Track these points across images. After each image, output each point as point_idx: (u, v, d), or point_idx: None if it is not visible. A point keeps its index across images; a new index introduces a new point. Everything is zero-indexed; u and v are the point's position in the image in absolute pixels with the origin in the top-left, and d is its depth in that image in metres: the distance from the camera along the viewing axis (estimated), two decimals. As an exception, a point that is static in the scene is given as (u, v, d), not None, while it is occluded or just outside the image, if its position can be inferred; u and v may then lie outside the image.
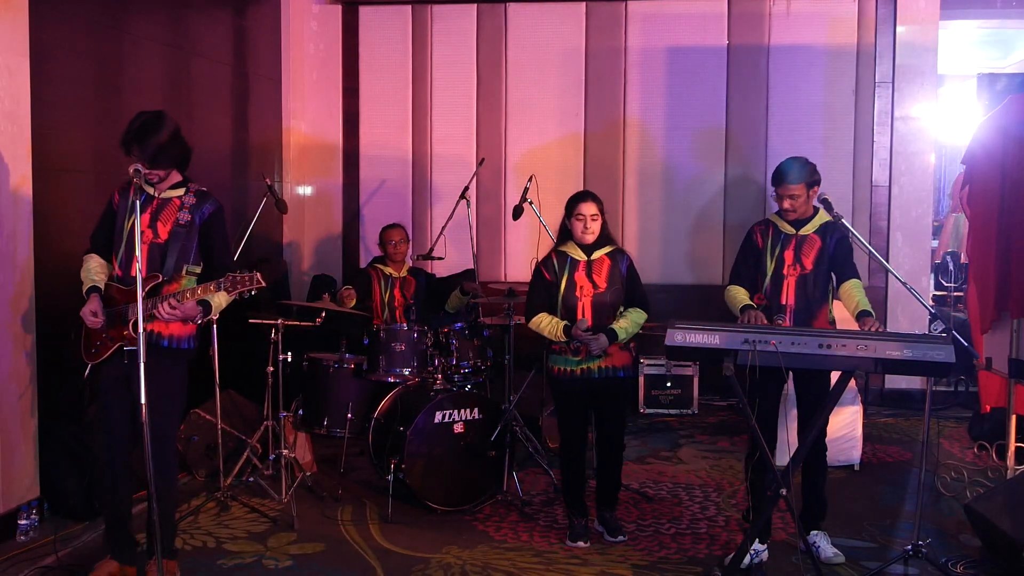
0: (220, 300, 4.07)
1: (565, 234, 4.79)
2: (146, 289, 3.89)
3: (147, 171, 3.96)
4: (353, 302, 6.04)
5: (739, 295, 4.54)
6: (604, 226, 4.75)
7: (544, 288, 4.75)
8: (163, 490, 3.93)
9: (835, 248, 4.49)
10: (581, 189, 7.79)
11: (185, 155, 4.11)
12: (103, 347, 4.06)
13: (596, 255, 4.73)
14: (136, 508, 4.97)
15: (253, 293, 3.96)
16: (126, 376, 4.01)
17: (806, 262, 4.47)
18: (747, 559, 4.26)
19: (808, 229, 4.52)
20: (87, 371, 4.13)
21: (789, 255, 4.48)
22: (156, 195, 4.08)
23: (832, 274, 4.54)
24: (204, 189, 4.19)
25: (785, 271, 4.48)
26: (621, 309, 4.73)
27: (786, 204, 4.46)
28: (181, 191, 4.12)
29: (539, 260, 4.87)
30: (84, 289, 4.11)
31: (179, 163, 4.10)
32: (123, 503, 4.22)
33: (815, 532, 4.54)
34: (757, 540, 4.38)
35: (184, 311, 3.97)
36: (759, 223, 4.67)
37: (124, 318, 4.00)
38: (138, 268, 3.71)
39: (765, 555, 4.44)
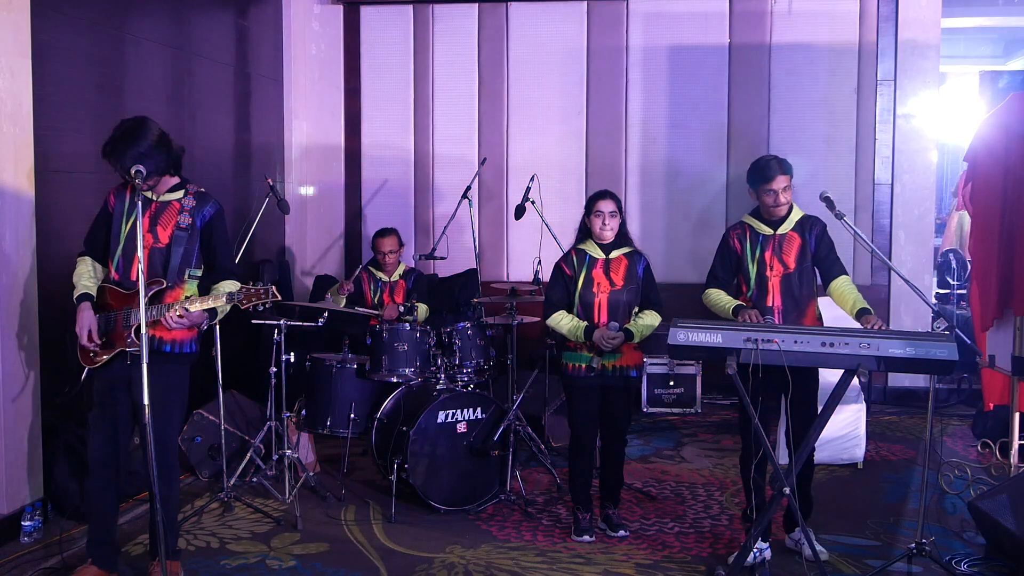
0: (225, 304, 4.05)
1: (584, 232, 4.81)
2: (148, 294, 3.87)
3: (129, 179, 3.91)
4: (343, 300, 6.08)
5: (723, 297, 4.52)
6: (623, 226, 4.79)
7: (563, 284, 4.78)
8: (165, 493, 3.91)
9: (816, 244, 4.46)
10: (583, 188, 7.91)
11: (174, 159, 4.01)
12: (104, 351, 4.03)
13: (614, 254, 4.76)
14: (138, 510, 5.00)
15: (267, 306, 3.96)
16: (127, 379, 4.00)
17: (788, 261, 4.44)
18: (750, 557, 4.26)
19: (785, 227, 4.49)
20: (83, 375, 4.11)
21: (768, 256, 4.46)
22: (154, 199, 4.03)
23: (816, 271, 4.52)
24: (203, 190, 4.14)
25: (767, 273, 4.45)
26: (636, 309, 4.75)
27: (781, 199, 4.43)
28: (180, 193, 4.07)
29: (560, 257, 4.89)
30: (75, 295, 4.06)
31: (168, 168, 3.99)
32: (112, 508, 4.18)
33: (799, 530, 4.53)
34: (760, 539, 4.38)
35: (191, 320, 3.96)
36: (734, 227, 4.63)
37: (126, 323, 3.98)
38: (140, 272, 3.67)
39: (768, 553, 4.44)
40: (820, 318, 4.53)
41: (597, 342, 4.63)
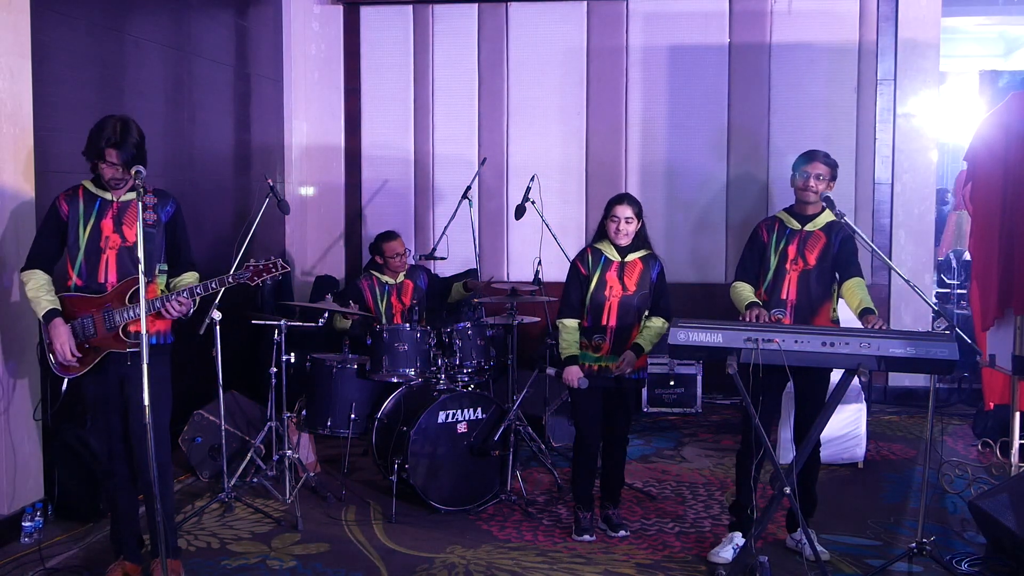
0: (231, 284, 4.11)
1: (602, 233, 4.83)
2: (128, 293, 3.93)
3: (121, 175, 3.94)
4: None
5: (744, 292, 4.54)
6: (642, 229, 4.80)
7: (579, 284, 4.79)
8: (163, 489, 3.92)
9: (840, 246, 4.49)
10: (583, 188, 7.92)
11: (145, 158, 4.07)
12: (87, 358, 4.03)
13: (630, 258, 4.77)
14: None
15: (278, 279, 3.99)
16: (119, 379, 4.04)
17: (810, 258, 4.47)
18: (729, 550, 4.40)
19: (814, 226, 4.52)
20: (64, 384, 4.08)
21: (792, 250, 4.49)
22: (115, 199, 4.04)
23: (836, 272, 4.53)
24: (160, 188, 4.20)
25: (787, 266, 4.48)
26: (646, 313, 4.76)
27: (811, 183, 4.46)
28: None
29: (576, 255, 4.90)
30: (40, 312, 3.99)
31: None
32: (133, 504, 4.23)
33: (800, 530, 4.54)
34: (739, 533, 4.45)
35: (188, 306, 4.01)
36: (766, 220, 4.69)
37: (109, 325, 3.98)
38: (141, 271, 3.66)
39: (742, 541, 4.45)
40: (836, 321, 4.54)
41: (565, 376, 4.69)
